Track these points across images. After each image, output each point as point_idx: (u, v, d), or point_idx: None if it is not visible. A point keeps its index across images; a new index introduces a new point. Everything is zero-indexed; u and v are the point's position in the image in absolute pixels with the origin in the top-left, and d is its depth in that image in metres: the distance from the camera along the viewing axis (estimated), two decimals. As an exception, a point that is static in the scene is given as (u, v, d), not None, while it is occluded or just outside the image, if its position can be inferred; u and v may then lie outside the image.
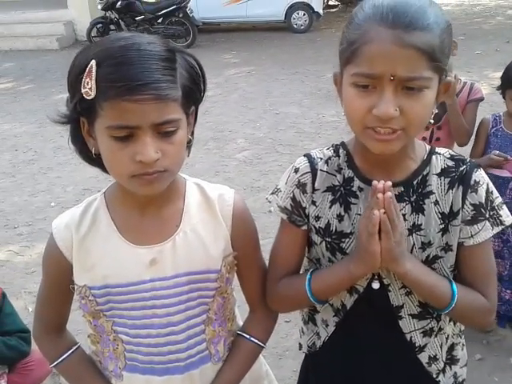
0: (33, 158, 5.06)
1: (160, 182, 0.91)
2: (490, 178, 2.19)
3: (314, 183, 1.04)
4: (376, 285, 1.00)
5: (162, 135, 0.88)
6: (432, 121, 0.96)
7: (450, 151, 1.03)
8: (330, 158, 1.05)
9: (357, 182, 1.01)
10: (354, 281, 1.00)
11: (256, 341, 1.13)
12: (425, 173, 0.99)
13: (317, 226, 1.04)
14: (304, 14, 10.75)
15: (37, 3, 11.26)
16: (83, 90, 0.85)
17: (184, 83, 0.90)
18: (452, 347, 1.10)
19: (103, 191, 1.06)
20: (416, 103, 0.85)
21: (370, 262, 0.92)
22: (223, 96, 6.65)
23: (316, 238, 1.05)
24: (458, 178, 0.97)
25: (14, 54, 9.90)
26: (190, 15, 9.86)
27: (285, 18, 10.79)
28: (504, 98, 2.16)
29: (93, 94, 0.84)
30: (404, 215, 0.97)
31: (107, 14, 9.88)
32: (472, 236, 0.97)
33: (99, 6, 9.83)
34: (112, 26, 9.95)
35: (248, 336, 1.13)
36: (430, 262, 0.99)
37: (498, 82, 2.21)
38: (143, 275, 0.99)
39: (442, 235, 0.98)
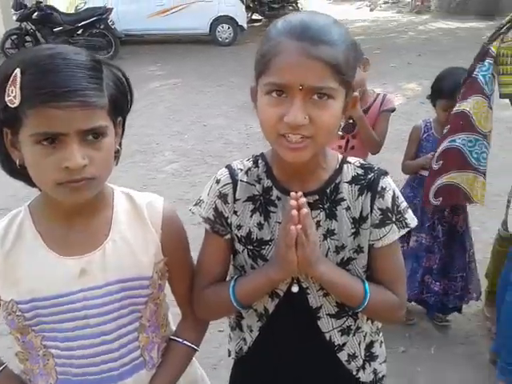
0: None
1: (88, 190, 0.91)
2: (420, 179, 2.31)
3: (234, 193, 1.07)
4: (295, 288, 1.05)
5: (89, 142, 0.88)
6: (341, 132, 1.05)
7: (361, 160, 1.10)
8: (249, 168, 1.09)
9: (275, 192, 1.05)
10: (274, 286, 1.05)
11: (189, 344, 1.14)
12: (337, 181, 1.05)
13: (239, 235, 1.08)
14: (229, 28, 10.92)
15: None
16: (7, 99, 0.84)
17: (110, 92, 0.92)
18: (371, 344, 1.16)
19: (27, 204, 1.03)
20: (323, 112, 0.91)
21: (288, 269, 0.98)
22: (148, 108, 6.56)
23: (238, 247, 1.09)
24: (367, 185, 1.04)
25: None
26: (112, 27, 9.67)
27: (209, 31, 10.89)
28: (434, 106, 2.32)
29: (17, 102, 0.83)
30: (318, 222, 1.03)
31: (23, 25, 9.46)
32: (381, 238, 1.05)
33: (14, 17, 9.40)
34: (28, 38, 9.53)
35: (181, 340, 1.14)
36: (344, 264, 1.05)
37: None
38: (72, 286, 0.98)
39: (354, 238, 1.04)
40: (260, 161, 1.09)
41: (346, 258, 1.05)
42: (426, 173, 2.27)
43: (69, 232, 0.99)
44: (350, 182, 1.05)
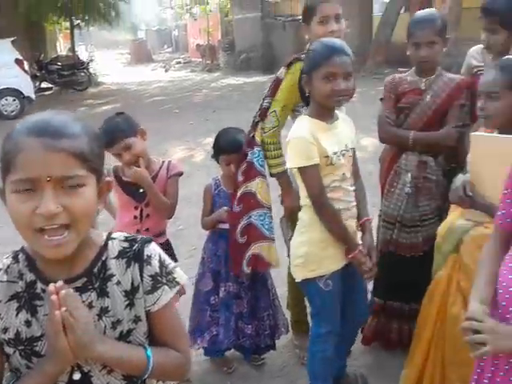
0: None
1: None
2: (220, 231, 2.40)
3: None
4: (77, 375, 1.04)
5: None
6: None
7: (125, 234, 1.14)
8: (9, 266, 1.07)
9: (39, 285, 1.04)
10: (53, 380, 1.02)
11: None
12: (104, 258, 1.07)
13: (6, 338, 1.04)
14: (14, 100, 10.23)
15: None
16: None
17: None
18: None
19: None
20: (76, 199, 0.96)
21: (62, 358, 0.98)
22: None
23: (9, 350, 1.04)
24: (134, 256, 1.08)
25: None
26: None
27: (-6, 105, 10.08)
28: (218, 162, 2.48)
29: None
30: (91, 303, 1.05)
31: None
32: (155, 302, 1.09)
33: None
34: None
35: None
36: (124, 337, 1.08)
37: (209, 147, 2.46)
38: None
39: (130, 310, 1.07)
40: (20, 255, 1.08)
41: (125, 331, 1.07)
42: (224, 225, 2.42)
43: None
44: (117, 257, 1.08)
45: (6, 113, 10.17)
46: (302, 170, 1.90)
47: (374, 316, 2.51)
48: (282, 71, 2.31)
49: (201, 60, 19.95)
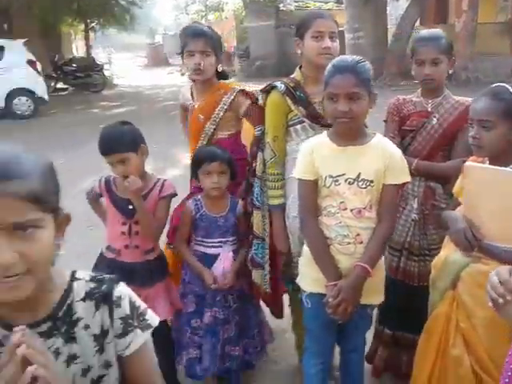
0: None
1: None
2: (202, 255, 2.26)
3: None
4: None
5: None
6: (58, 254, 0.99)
7: (92, 274, 1.07)
8: None
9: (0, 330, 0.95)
10: None
11: None
12: (69, 301, 1.01)
13: None
14: (27, 100, 10.30)
15: None
16: None
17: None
18: None
19: None
20: (33, 244, 0.88)
21: None
22: None
23: None
24: (102, 297, 1.03)
25: None
26: None
27: (5, 104, 10.15)
28: (197, 179, 2.30)
29: None
30: (57, 349, 0.98)
31: None
32: (128, 347, 1.03)
33: None
34: None
35: None
36: (96, 383, 1.02)
37: None
38: None
39: (100, 355, 1.01)
40: None
41: (95, 378, 1.02)
42: (209, 250, 2.31)
43: None
44: (84, 299, 1.01)
45: (19, 112, 10.24)
46: (298, 180, 1.88)
47: (383, 347, 2.39)
48: (260, 97, 2.24)
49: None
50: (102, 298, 1.02)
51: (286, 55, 15.53)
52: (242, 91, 2.38)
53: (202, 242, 2.33)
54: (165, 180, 2.22)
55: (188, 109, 2.50)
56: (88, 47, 16.90)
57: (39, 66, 10.59)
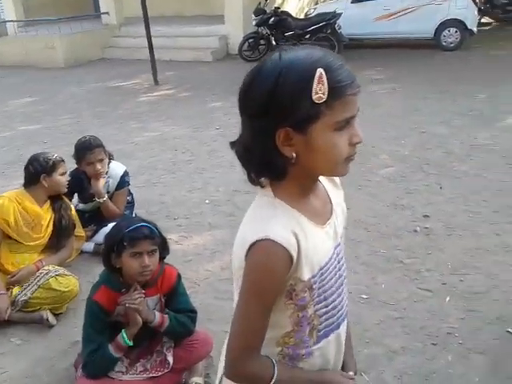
0: (190, 159, 5.57)
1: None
2: None
3: None
4: None
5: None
6: None
7: None
8: None
9: None
10: None
11: None
12: None
13: None
14: (456, 32, 10.34)
15: (200, 20, 12.38)
16: (315, 96, 0.96)
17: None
18: None
19: (267, 195, 1.08)
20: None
21: None
22: (365, 111, 6.66)
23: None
24: None
25: (174, 64, 10.97)
26: (338, 31, 10.04)
27: (434, 35, 10.48)
28: None
29: (325, 97, 0.97)
30: None
31: (259, 30, 10.48)
32: None
33: (254, 22, 10.47)
34: (262, 41, 10.53)
35: None
36: None
37: None
38: (331, 250, 1.13)
39: None
40: None
41: None
42: None
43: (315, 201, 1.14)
44: None
45: (445, 44, 10.45)
46: None
47: None
48: None
49: None
50: None
51: None
52: None
53: None
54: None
55: None
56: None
57: (477, -2, 10.36)
